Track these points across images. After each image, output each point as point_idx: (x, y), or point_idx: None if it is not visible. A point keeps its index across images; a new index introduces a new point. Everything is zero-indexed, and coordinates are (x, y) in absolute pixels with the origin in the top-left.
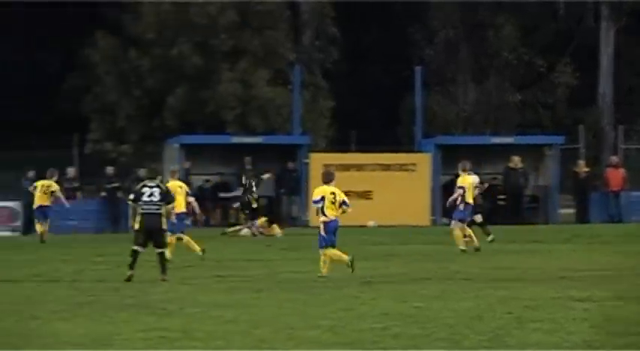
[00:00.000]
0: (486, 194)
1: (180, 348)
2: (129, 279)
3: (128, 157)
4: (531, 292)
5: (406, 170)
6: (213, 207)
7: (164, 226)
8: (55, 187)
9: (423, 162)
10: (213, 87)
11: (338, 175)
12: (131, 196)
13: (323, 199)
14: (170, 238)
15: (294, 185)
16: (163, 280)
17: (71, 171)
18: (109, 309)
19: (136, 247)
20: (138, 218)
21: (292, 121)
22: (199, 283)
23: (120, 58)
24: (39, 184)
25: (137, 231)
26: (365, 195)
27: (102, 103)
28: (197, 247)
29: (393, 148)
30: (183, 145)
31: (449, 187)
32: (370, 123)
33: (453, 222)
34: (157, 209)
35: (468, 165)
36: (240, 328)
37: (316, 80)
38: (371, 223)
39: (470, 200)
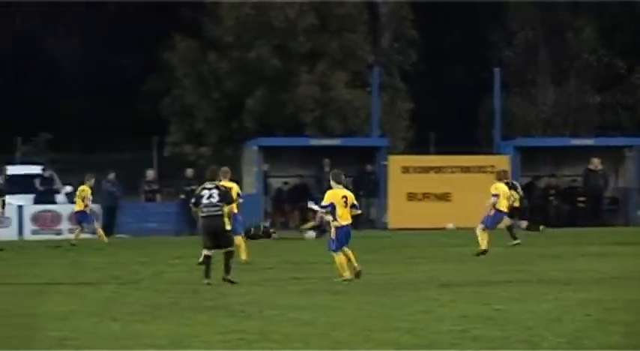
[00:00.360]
0: (566, 197)
1: (259, 350)
2: (208, 284)
3: (207, 159)
4: (611, 295)
5: (485, 172)
6: (292, 209)
7: (227, 227)
8: (87, 191)
9: (501, 164)
10: (292, 89)
11: (417, 177)
12: (192, 201)
13: (332, 204)
14: (237, 239)
15: (372, 188)
16: (226, 280)
17: (150, 173)
18: (188, 311)
19: (205, 252)
20: (200, 222)
21: (371, 123)
22: (277, 285)
23: (199, 61)
24: (81, 188)
25: (203, 235)
26: (444, 197)
27: (181, 106)
28: (244, 255)
29: (471, 149)
30: (261, 148)
31: (528, 189)
32: (449, 125)
33: (480, 225)
34: (217, 210)
35: (504, 174)
36: (318, 330)
37: (395, 82)
38: (450, 226)
39: (502, 208)
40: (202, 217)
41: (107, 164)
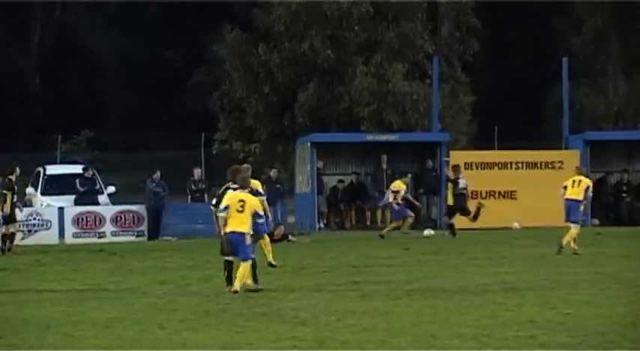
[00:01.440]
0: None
1: None
2: (235, 292)
3: (257, 156)
4: None
5: (553, 168)
6: (348, 209)
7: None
8: None
9: (570, 159)
10: (347, 82)
11: (479, 173)
12: (213, 202)
13: (228, 208)
14: (265, 239)
15: (433, 185)
16: (251, 289)
17: (197, 172)
18: (239, 317)
19: (225, 257)
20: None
21: (431, 116)
22: (334, 289)
23: (248, 53)
24: None
25: (224, 239)
26: (509, 195)
27: (230, 101)
28: (270, 256)
29: (537, 144)
30: (315, 144)
31: (599, 186)
32: (513, 118)
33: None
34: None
35: (583, 169)
36: (377, 336)
37: (455, 73)
38: (515, 225)
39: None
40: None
41: (152, 163)
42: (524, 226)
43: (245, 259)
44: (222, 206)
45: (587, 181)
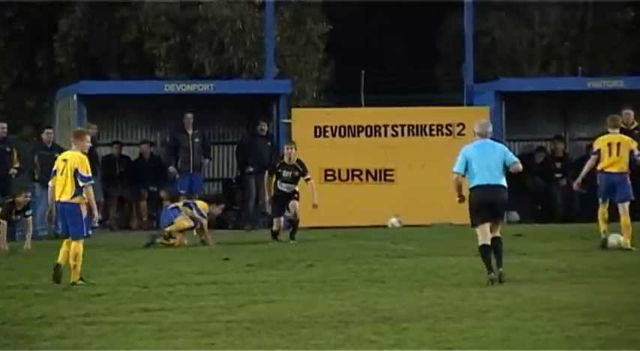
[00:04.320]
0: None
1: None
2: None
3: None
4: None
5: (449, 134)
6: (135, 197)
7: None
8: None
9: (475, 120)
10: (133, 3)
11: (337, 143)
12: None
13: (55, 171)
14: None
15: (268, 161)
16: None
17: None
18: None
19: None
20: None
21: (263, 55)
22: (113, 322)
23: None
24: None
25: None
26: (383, 176)
27: None
28: None
29: (426, 98)
30: (84, 97)
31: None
32: (389, 58)
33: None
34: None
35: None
36: None
37: None
38: (393, 221)
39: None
40: None
41: None
42: (407, 224)
43: None
44: None
45: (628, 141)
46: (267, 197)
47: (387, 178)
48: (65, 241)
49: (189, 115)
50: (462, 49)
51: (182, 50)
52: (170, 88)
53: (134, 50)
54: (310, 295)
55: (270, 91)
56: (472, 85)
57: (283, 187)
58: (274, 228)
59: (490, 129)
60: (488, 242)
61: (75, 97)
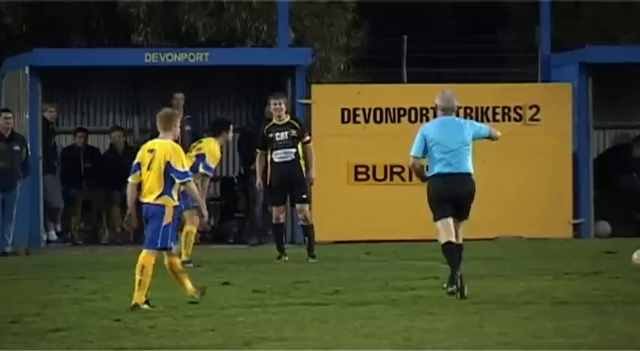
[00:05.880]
0: None
1: None
2: None
3: None
4: None
5: (518, 120)
6: (104, 202)
7: None
8: None
9: (555, 101)
10: None
11: (370, 130)
12: None
13: (139, 165)
14: None
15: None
16: None
17: None
18: None
19: None
20: None
21: (275, 18)
22: None
23: None
24: None
25: None
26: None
27: None
28: None
29: (488, 72)
30: (38, 70)
31: (614, 158)
32: (439, 22)
33: None
34: None
35: None
36: None
37: None
38: None
39: None
40: None
41: None
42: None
43: None
44: None
45: None
46: (258, 180)
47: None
48: (166, 255)
49: (179, 95)
50: (536, 9)
51: (168, 9)
52: (152, 58)
53: (105, 9)
54: (336, 332)
55: (283, 63)
56: (549, 55)
57: (279, 155)
58: (275, 220)
59: (456, 102)
60: (454, 239)
61: (27, 69)
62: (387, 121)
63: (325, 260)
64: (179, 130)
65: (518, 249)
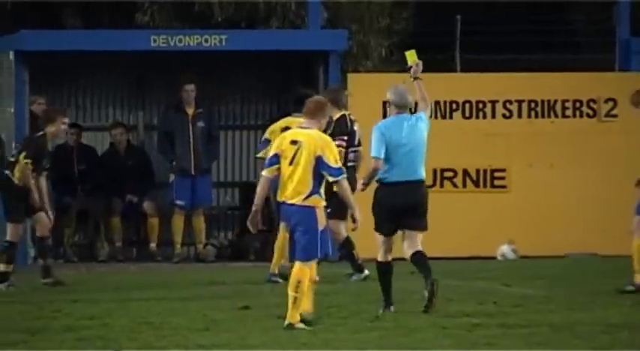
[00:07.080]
0: None
1: None
2: None
3: None
4: None
5: (592, 116)
6: (104, 210)
7: None
8: None
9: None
10: None
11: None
12: None
13: (277, 157)
14: None
15: None
16: None
17: None
18: None
19: None
20: None
21: None
22: None
23: None
24: None
25: None
26: (489, 178)
27: None
28: None
29: (556, 60)
30: (25, 55)
31: None
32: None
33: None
34: None
35: None
36: None
37: None
38: (505, 249)
39: None
40: None
41: None
42: (526, 255)
43: None
44: None
45: None
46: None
47: (496, 183)
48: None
49: (190, 87)
50: None
51: None
52: (159, 42)
53: None
54: None
55: (314, 48)
56: (628, 39)
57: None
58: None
59: (410, 99)
60: (390, 259)
61: (11, 55)
62: (436, 117)
63: (362, 281)
64: (326, 121)
65: (592, 269)
